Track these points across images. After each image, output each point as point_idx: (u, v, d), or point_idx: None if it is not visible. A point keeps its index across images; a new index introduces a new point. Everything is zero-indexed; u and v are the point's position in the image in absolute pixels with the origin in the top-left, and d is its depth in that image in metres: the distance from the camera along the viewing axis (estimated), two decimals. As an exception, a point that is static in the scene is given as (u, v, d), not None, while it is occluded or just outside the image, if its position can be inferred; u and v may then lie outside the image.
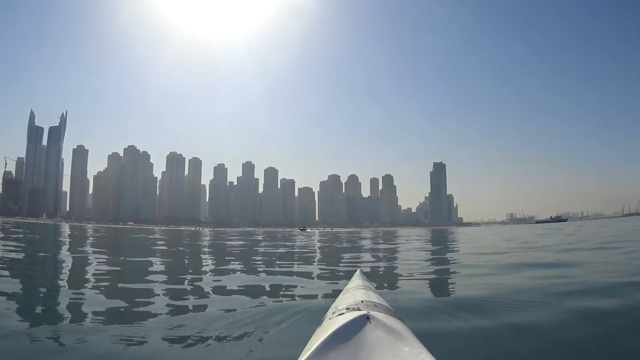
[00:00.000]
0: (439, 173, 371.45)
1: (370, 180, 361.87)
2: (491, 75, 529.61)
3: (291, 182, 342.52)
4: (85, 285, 7.59)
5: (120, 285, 7.76)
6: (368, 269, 10.25)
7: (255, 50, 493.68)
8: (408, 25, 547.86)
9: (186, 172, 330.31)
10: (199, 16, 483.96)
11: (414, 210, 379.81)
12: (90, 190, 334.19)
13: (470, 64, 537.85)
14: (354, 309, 2.15)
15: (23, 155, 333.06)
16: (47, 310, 5.52)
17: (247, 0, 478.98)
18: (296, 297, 6.32)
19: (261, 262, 12.80)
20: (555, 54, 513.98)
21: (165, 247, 20.59)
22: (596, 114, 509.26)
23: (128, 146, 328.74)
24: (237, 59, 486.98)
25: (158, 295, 6.62)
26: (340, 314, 2.14)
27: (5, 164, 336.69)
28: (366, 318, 1.98)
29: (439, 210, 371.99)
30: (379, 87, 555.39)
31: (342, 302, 2.54)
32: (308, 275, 9.46)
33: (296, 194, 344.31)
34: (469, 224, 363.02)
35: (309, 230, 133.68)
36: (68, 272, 9.69)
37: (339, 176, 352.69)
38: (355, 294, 2.71)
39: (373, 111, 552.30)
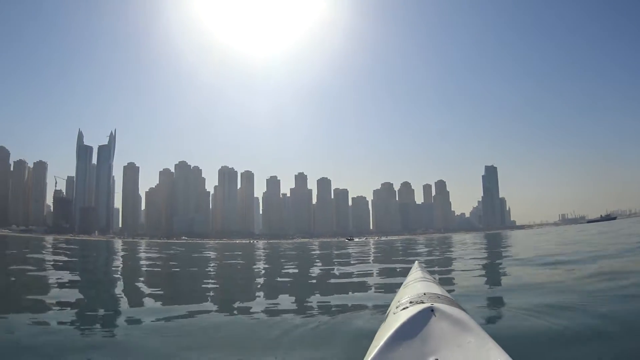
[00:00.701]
0: (490, 176, 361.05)
1: (423, 186, 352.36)
2: (541, 76, 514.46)
3: (344, 192, 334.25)
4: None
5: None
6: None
7: (293, 62, 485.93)
8: (449, 29, 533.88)
9: (239, 186, 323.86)
10: (239, 32, 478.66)
11: (467, 215, 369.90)
12: (143, 207, 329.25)
13: (519, 65, 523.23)
14: (417, 302, 2.14)
15: (73, 174, 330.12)
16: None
17: (285, 16, 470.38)
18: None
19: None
20: (606, 50, 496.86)
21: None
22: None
23: (179, 162, 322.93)
24: (275, 72, 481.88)
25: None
26: (404, 308, 2.13)
27: (56, 183, 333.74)
28: (430, 310, 1.97)
29: (492, 214, 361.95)
30: (425, 92, 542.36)
31: (404, 295, 2.49)
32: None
33: (350, 203, 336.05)
34: (522, 227, 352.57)
35: (356, 239, 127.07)
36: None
37: (392, 184, 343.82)
38: (417, 286, 2.68)
39: (422, 116, 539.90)
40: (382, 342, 1.78)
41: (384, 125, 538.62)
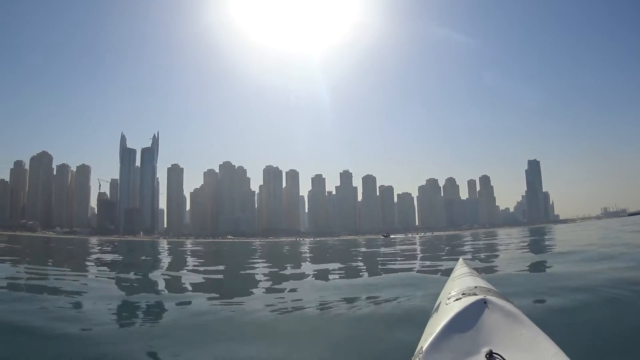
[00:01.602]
0: (533, 171, 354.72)
1: (468, 182, 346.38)
2: (583, 71, 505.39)
3: (389, 189, 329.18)
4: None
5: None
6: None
7: (334, 60, 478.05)
8: (493, 22, 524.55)
9: (284, 184, 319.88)
10: (278, 33, 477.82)
11: (511, 209, 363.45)
12: (188, 207, 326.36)
13: (562, 61, 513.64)
14: (470, 294, 2.16)
15: (117, 176, 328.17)
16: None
17: (323, 14, 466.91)
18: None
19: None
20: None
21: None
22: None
23: (223, 162, 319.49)
24: (316, 71, 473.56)
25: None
26: (457, 299, 2.16)
27: (100, 185, 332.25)
28: (483, 302, 2.01)
29: (536, 209, 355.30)
30: (468, 88, 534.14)
31: (454, 288, 2.55)
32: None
33: (395, 200, 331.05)
34: (565, 221, 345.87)
35: (392, 236, 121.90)
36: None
37: (437, 180, 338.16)
38: (465, 280, 2.72)
39: (465, 112, 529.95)
40: (436, 331, 1.81)
41: (428, 121, 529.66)
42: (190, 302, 6.50)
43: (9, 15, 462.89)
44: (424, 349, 1.76)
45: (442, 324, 1.87)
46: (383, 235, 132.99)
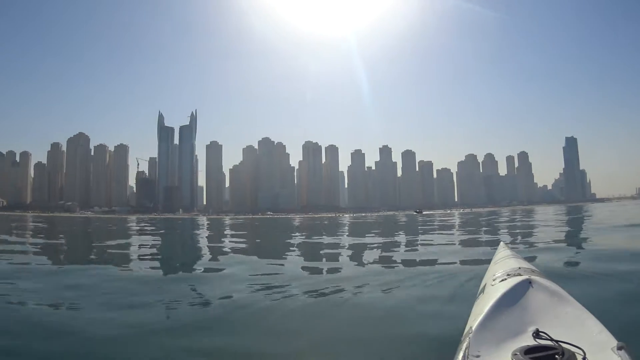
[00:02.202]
0: (570, 148, 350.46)
1: (506, 158, 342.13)
2: (621, 51, 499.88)
3: (429, 164, 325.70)
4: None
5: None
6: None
7: (377, 34, 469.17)
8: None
9: (323, 160, 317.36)
10: (314, 11, 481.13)
11: (549, 187, 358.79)
12: (227, 184, 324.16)
13: (600, 37, 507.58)
14: (514, 275, 2.22)
15: (155, 155, 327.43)
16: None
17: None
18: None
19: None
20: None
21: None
22: None
23: (262, 138, 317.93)
24: (357, 46, 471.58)
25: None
26: (502, 280, 2.22)
27: (138, 164, 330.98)
28: (528, 282, 2.07)
29: (573, 187, 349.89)
30: (506, 63, 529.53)
31: (498, 270, 2.62)
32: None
33: (434, 175, 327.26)
34: (601, 200, 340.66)
35: (425, 212, 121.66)
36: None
37: (476, 155, 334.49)
38: (508, 262, 2.81)
39: (503, 87, 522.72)
40: (485, 312, 1.87)
41: (467, 96, 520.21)
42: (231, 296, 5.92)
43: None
44: (473, 328, 1.80)
45: (489, 304, 1.93)
46: (415, 212, 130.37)
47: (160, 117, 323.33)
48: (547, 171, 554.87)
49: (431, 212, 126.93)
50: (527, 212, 56.01)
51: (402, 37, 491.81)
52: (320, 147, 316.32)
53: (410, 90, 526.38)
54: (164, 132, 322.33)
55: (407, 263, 9.41)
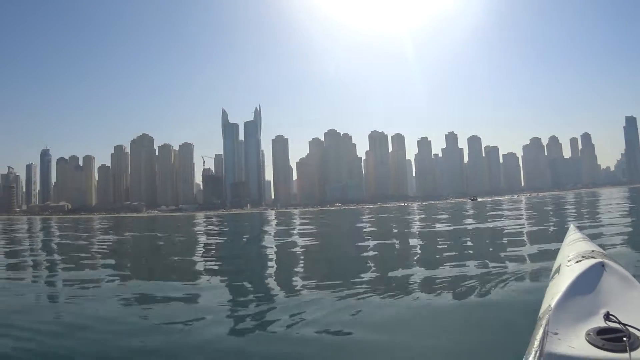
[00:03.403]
0: (630, 127, 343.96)
1: (570, 140, 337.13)
2: None
3: (495, 149, 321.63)
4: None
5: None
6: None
7: (439, 22, 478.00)
8: None
9: (390, 149, 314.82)
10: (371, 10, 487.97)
11: (612, 168, 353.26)
12: (294, 177, 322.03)
13: None
14: (588, 257, 2.26)
15: (220, 152, 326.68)
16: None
17: None
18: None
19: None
20: None
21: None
22: None
23: (328, 130, 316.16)
24: (419, 34, 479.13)
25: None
26: (577, 261, 2.26)
27: (204, 162, 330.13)
28: (601, 265, 2.10)
29: (635, 167, 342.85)
30: (565, 45, 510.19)
31: (571, 251, 2.68)
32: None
33: (500, 160, 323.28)
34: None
35: (479, 199, 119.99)
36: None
37: (540, 138, 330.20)
38: (580, 244, 2.85)
39: (563, 68, 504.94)
40: (562, 291, 1.92)
41: (528, 76, 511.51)
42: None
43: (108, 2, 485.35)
44: (552, 306, 1.85)
45: (566, 284, 1.97)
46: (470, 199, 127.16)
47: (224, 114, 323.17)
48: (609, 152, 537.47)
49: (487, 199, 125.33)
50: (592, 195, 57.41)
51: (464, 19, 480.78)
52: (386, 136, 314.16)
53: (473, 73, 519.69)
54: (229, 129, 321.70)
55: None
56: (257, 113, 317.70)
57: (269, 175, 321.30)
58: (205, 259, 11.71)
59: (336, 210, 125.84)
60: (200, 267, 9.82)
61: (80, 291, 6.96)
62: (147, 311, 5.42)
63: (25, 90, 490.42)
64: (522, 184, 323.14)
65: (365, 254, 10.76)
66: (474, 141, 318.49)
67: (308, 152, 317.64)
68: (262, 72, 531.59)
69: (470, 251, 10.04)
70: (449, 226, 19.09)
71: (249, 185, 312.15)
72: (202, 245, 16.86)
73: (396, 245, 11.47)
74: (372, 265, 8.65)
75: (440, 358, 3.43)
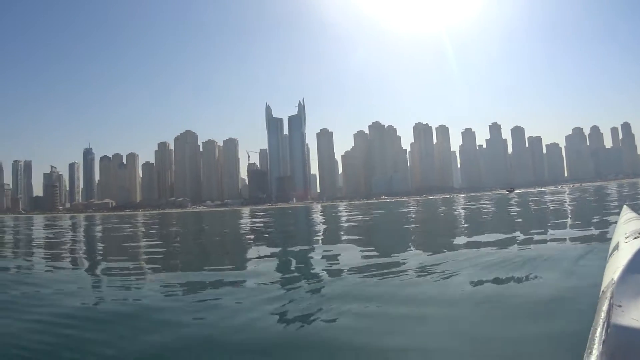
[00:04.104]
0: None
1: (611, 129, 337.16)
2: None
3: (538, 139, 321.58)
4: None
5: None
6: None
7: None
8: None
9: (434, 141, 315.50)
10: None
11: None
12: (340, 170, 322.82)
13: None
14: None
15: (265, 146, 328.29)
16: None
17: None
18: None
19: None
20: None
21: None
22: None
23: (372, 122, 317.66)
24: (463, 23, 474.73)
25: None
26: (635, 238, 2.36)
27: (249, 157, 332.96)
28: None
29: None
30: (605, 34, 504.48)
31: (627, 229, 2.76)
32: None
33: (544, 151, 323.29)
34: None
35: (517, 191, 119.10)
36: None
37: (582, 128, 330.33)
38: (636, 222, 2.99)
39: (604, 57, 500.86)
40: (624, 265, 1.96)
41: (570, 65, 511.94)
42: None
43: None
44: (615, 279, 1.89)
45: (627, 258, 2.02)
46: (507, 191, 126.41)
47: (268, 109, 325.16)
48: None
49: (524, 191, 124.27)
50: (634, 186, 57.57)
51: (506, 12, 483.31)
52: (430, 127, 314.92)
53: (515, 63, 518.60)
54: (273, 124, 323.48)
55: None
56: (301, 107, 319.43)
57: (314, 168, 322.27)
58: (252, 248, 12.33)
59: (383, 202, 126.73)
60: (246, 256, 10.28)
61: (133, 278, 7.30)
62: (195, 296, 5.49)
63: (68, 92, 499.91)
64: (566, 175, 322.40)
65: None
66: (517, 132, 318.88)
67: (353, 145, 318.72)
68: (305, 66, 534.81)
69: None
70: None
71: (295, 179, 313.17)
72: (248, 235, 17.85)
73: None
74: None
75: (502, 325, 3.54)
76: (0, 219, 79.53)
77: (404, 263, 7.00)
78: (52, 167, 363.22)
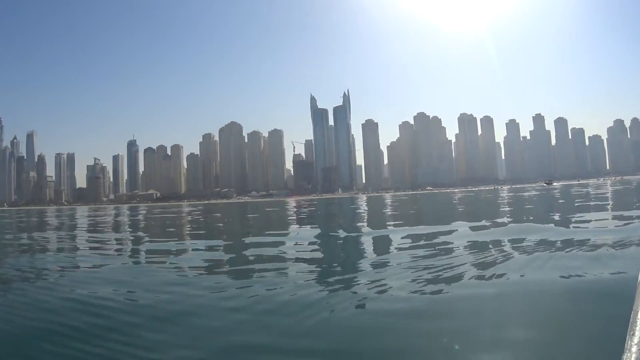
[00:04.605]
0: None
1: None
2: None
3: (580, 131, 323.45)
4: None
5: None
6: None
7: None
8: None
9: (479, 132, 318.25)
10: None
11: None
12: (385, 161, 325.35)
13: None
14: None
15: (310, 137, 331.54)
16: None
17: None
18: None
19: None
20: None
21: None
22: None
23: (418, 113, 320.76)
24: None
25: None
26: None
27: (294, 148, 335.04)
28: None
29: None
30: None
31: None
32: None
33: (586, 142, 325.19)
34: None
35: (555, 184, 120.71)
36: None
37: (623, 120, 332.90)
38: None
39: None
40: None
41: (614, 57, 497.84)
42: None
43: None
44: None
45: None
46: (545, 183, 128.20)
47: (313, 100, 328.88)
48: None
49: (565, 183, 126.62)
50: None
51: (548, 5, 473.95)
52: (475, 118, 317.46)
53: (558, 53, 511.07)
54: (318, 114, 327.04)
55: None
56: (346, 98, 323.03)
57: (359, 159, 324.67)
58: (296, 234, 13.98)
59: (429, 193, 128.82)
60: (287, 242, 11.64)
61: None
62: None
63: (112, 86, 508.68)
64: (608, 167, 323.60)
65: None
66: (560, 123, 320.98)
67: (398, 136, 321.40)
68: (349, 57, 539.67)
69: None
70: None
71: (340, 170, 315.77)
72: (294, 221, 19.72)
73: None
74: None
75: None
76: (58, 210, 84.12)
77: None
78: (95, 159, 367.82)
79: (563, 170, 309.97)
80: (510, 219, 15.23)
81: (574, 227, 11.14)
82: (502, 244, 8.46)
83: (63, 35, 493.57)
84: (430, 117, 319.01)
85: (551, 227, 11.21)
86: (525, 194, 42.31)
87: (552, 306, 4.17)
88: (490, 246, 8.10)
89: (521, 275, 5.39)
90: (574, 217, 14.42)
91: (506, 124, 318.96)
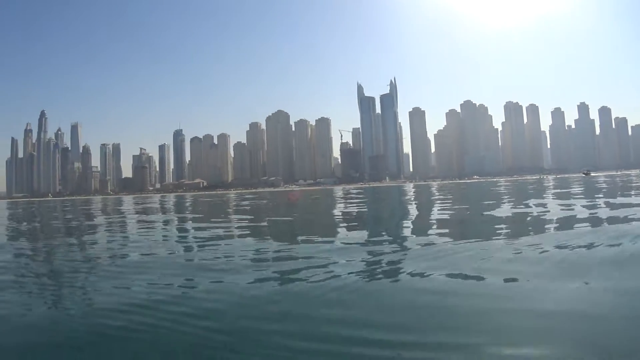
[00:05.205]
0: None
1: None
2: None
3: (623, 121, 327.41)
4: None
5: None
6: None
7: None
8: None
9: (525, 120, 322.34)
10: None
11: None
12: (432, 149, 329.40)
13: None
14: None
15: (357, 125, 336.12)
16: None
17: None
18: None
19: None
20: None
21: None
22: None
23: (464, 101, 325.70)
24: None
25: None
26: None
27: (341, 136, 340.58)
28: None
29: None
30: None
31: None
32: None
33: (629, 132, 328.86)
34: None
35: (592, 174, 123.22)
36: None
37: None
38: None
39: None
40: None
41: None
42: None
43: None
44: None
45: None
46: (584, 173, 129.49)
47: (360, 88, 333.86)
48: None
49: (605, 174, 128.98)
50: None
51: None
52: (521, 106, 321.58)
53: (599, 41, 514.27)
54: (365, 103, 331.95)
55: None
56: (393, 86, 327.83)
57: (406, 147, 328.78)
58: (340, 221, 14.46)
59: (476, 182, 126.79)
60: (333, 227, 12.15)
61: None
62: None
63: (157, 76, 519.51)
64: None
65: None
66: (604, 112, 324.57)
67: (445, 124, 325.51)
68: (396, 45, 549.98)
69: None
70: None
71: (388, 158, 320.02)
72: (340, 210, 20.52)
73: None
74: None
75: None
76: (113, 200, 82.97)
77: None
78: (141, 149, 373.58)
79: (606, 160, 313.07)
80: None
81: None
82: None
83: (106, 25, 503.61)
84: (477, 105, 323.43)
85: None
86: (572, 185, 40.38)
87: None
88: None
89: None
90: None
91: (551, 112, 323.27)
